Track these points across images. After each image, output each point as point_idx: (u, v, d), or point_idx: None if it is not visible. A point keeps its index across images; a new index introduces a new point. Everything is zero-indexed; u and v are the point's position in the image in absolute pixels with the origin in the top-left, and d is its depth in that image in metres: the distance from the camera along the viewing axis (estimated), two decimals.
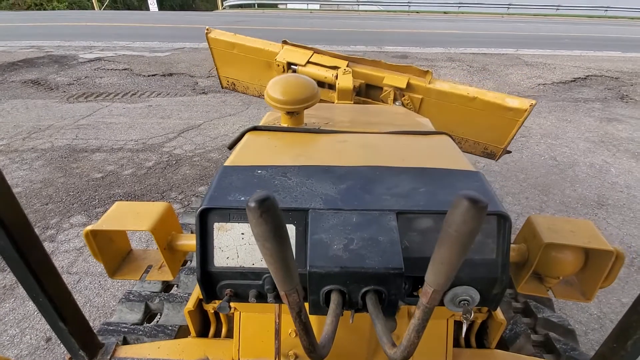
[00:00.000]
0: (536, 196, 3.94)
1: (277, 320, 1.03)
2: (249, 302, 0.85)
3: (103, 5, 28.49)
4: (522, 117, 2.24)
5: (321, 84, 2.52)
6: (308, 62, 2.56)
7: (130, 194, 3.77)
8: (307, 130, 1.30)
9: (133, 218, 0.93)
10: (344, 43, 12.26)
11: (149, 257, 1.05)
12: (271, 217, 0.50)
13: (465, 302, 0.80)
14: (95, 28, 15.07)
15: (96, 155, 4.55)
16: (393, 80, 2.42)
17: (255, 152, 1.13)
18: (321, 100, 1.92)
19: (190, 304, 1.21)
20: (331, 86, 2.50)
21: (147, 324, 1.40)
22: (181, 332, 1.34)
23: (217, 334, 1.28)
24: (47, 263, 0.84)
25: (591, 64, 10.05)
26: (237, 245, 0.82)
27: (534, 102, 2.22)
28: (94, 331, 1.06)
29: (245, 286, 0.85)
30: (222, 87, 3.25)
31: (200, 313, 1.26)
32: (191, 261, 1.86)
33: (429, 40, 13.60)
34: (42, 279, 0.82)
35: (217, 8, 31.79)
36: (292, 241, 0.81)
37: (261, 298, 0.85)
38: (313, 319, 0.94)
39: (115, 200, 1.02)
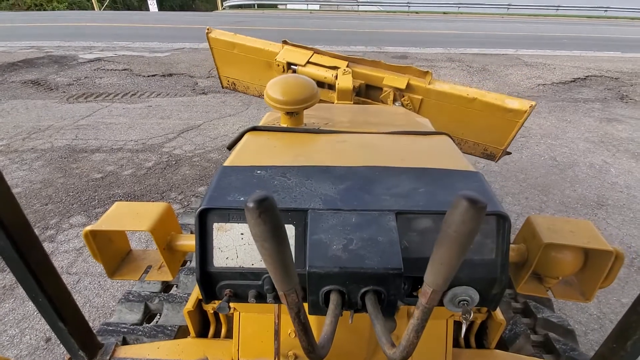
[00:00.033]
0: (536, 196, 3.94)
1: (277, 321, 1.03)
2: (248, 302, 0.85)
3: (103, 6, 28.49)
4: (522, 119, 2.24)
5: (321, 84, 2.52)
6: (308, 62, 2.56)
7: (129, 194, 3.77)
8: (306, 130, 1.30)
9: (132, 218, 0.93)
10: (344, 43, 12.27)
11: (149, 257, 1.05)
12: (270, 218, 0.50)
13: (465, 302, 0.80)
14: (95, 28, 15.08)
15: (96, 156, 4.55)
16: (393, 80, 2.42)
17: (254, 152, 1.13)
18: (321, 101, 1.92)
19: (190, 304, 1.21)
20: (331, 86, 2.50)
21: (147, 324, 1.40)
22: (181, 332, 1.34)
23: (216, 335, 1.28)
24: (47, 263, 0.84)
25: (591, 64, 10.06)
26: (237, 246, 0.82)
27: (533, 103, 2.21)
28: (94, 331, 1.06)
29: (245, 286, 0.85)
30: (223, 87, 3.26)
31: (199, 313, 1.26)
32: (191, 261, 1.86)
33: (428, 40, 13.61)
34: (41, 280, 0.82)
35: (217, 8, 31.80)
36: (292, 241, 0.81)
37: (260, 298, 0.85)
38: (312, 319, 0.94)
39: (115, 201, 1.02)
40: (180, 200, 3.71)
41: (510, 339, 1.32)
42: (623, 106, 6.99)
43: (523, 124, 2.27)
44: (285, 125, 1.37)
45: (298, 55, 2.59)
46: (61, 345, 1.02)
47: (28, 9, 25.78)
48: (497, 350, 1.23)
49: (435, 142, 1.25)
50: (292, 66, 2.59)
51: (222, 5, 31.12)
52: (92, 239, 0.90)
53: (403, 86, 2.39)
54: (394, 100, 2.48)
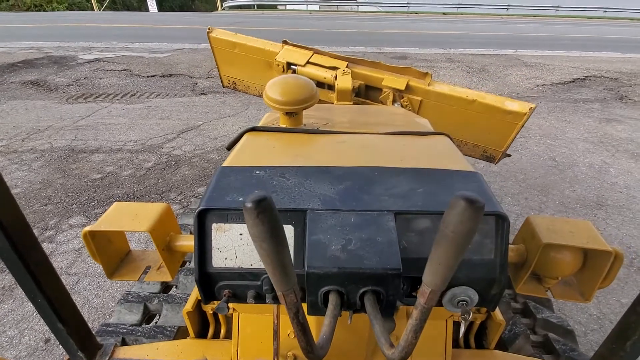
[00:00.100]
0: (535, 197, 3.94)
1: (276, 321, 1.03)
2: (247, 302, 0.84)
3: (102, 7, 28.51)
4: (522, 121, 2.23)
5: (320, 84, 2.52)
6: (308, 62, 2.56)
7: (129, 194, 3.77)
8: (305, 130, 1.30)
9: (131, 219, 0.93)
10: (344, 44, 12.28)
11: (148, 257, 1.05)
12: (268, 218, 0.50)
13: (464, 302, 0.80)
14: (94, 29, 15.08)
15: (95, 156, 4.55)
16: (392, 81, 2.42)
17: (253, 152, 1.13)
18: (320, 101, 1.92)
19: (189, 305, 1.21)
20: (330, 87, 2.50)
21: (146, 325, 1.40)
22: (180, 333, 1.34)
23: (215, 335, 1.28)
24: (46, 264, 0.84)
25: (590, 64, 10.07)
26: (236, 246, 0.82)
27: (533, 105, 2.21)
28: (93, 332, 1.06)
29: (244, 287, 0.85)
30: (223, 86, 3.26)
31: (198, 314, 1.26)
32: (190, 262, 1.86)
33: (428, 41, 13.62)
34: (40, 280, 0.82)
35: (216, 9, 31.83)
36: (290, 242, 0.81)
37: (260, 299, 0.85)
38: (312, 320, 0.94)
39: (114, 201, 1.02)
40: (180, 200, 3.71)
41: (510, 340, 1.32)
42: (622, 106, 7.00)
43: (523, 126, 2.27)
44: (284, 126, 1.37)
45: (298, 56, 2.59)
46: (60, 346, 1.02)
47: (28, 9, 25.79)
48: (497, 351, 1.23)
49: (434, 143, 1.25)
50: (291, 66, 2.60)
51: (221, 5, 31.15)
52: (91, 239, 0.90)
53: (402, 87, 2.39)
54: (393, 101, 2.48)
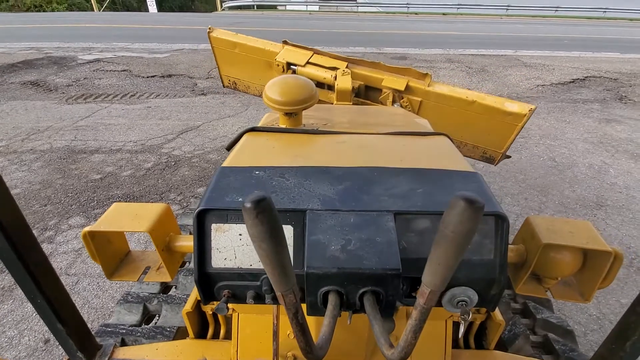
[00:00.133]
0: (535, 197, 3.94)
1: (276, 322, 1.03)
2: (246, 303, 0.84)
3: (102, 7, 28.51)
4: (522, 122, 2.23)
5: (320, 84, 2.52)
6: (307, 62, 2.56)
7: (129, 195, 3.77)
8: (305, 131, 1.30)
9: (131, 219, 0.93)
10: (343, 44, 12.28)
11: (147, 258, 1.04)
12: (267, 218, 0.50)
13: (463, 302, 0.80)
14: (94, 29, 15.08)
15: (95, 157, 4.55)
16: (392, 82, 2.42)
17: (253, 153, 1.13)
18: (320, 101, 1.92)
19: (189, 306, 1.21)
20: (330, 87, 2.50)
21: (146, 326, 1.40)
22: (179, 333, 1.34)
23: (215, 336, 1.28)
24: (45, 264, 0.84)
25: (590, 65, 10.07)
26: (235, 246, 0.82)
27: (533, 107, 2.20)
28: (92, 333, 1.06)
29: (243, 287, 0.85)
30: (224, 86, 3.26)
31: (198, 314, 1.26)
32: (189, 262, 1.86)
33: (428, 41, 13.63)
34: (40, 281, 0.82)
35: (216, 9, 31.82)
36: (290, 242, 0.81)
37: (259, 299, 0.85)
38: (311, 320, 0.94)
39: (114, 202, 1.02)
40: (180, 201, 3.71)
41: (510, 340, 1.32)
42: (622, 107, 7.00)
43: (522, 127, 2.27)
44: (284, 126, 1.37)
45: (298, 56, 2.59)
46: (60, 347, 1.02)
47: (27, 10, 25.79)
48: (497, 351, 1.23)
49: (434, 143, 1.25)
50: (291, 66, 2.60)
51: (221, 6, 31.14)
52: (91, 239, 0.90)
53: (402, 88, 2.39)
54: (393, 102, 2.48)
